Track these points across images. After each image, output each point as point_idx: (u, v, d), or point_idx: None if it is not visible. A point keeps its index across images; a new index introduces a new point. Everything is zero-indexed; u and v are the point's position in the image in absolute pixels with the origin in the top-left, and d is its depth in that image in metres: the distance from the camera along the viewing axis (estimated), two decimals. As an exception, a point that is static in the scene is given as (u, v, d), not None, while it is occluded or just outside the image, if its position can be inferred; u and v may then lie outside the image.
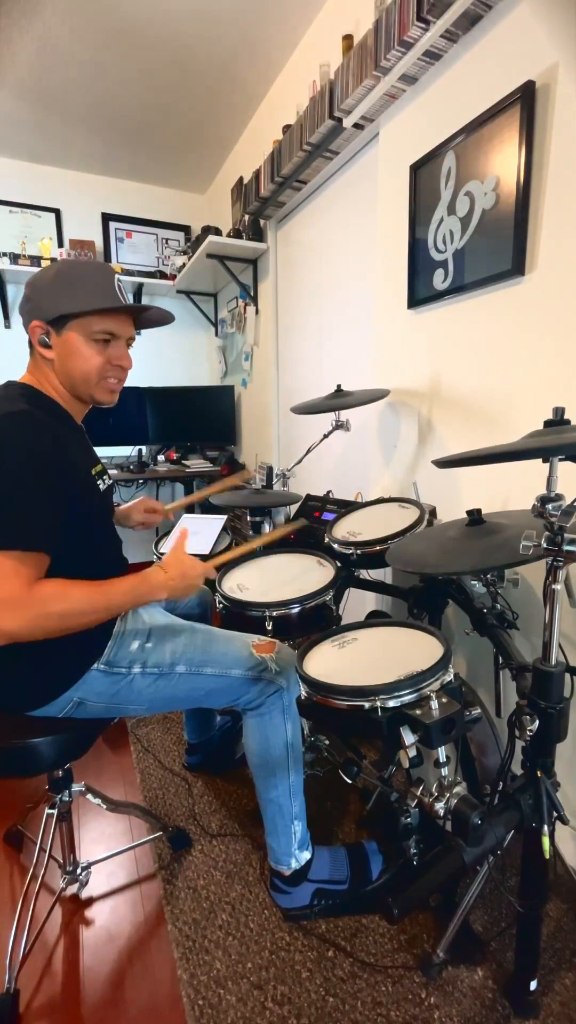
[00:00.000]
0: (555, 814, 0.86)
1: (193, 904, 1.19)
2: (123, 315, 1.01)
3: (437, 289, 1.47)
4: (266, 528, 1.86)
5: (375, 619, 1.19)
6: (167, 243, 3.36)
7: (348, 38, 1.70)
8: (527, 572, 1.24)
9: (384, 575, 1.70)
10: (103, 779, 1.59)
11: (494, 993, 1.00)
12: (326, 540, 1.44)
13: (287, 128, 1.96)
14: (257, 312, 2.78)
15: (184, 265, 2.94)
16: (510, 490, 1.32)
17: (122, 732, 1.80)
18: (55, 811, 1.18)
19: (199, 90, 2.41)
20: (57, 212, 3.07)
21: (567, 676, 0.85)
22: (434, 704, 0.80)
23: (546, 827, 0.85)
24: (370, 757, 1.58)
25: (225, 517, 1.65)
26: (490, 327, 1.34)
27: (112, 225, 3.21)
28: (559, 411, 0.84)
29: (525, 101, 1.15)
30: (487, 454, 0.81)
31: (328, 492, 1.90)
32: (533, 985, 0.96)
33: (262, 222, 2.55)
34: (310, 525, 1.65)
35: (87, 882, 1.25)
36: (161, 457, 3.29)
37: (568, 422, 0.84)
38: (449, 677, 0.88)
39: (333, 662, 0.99)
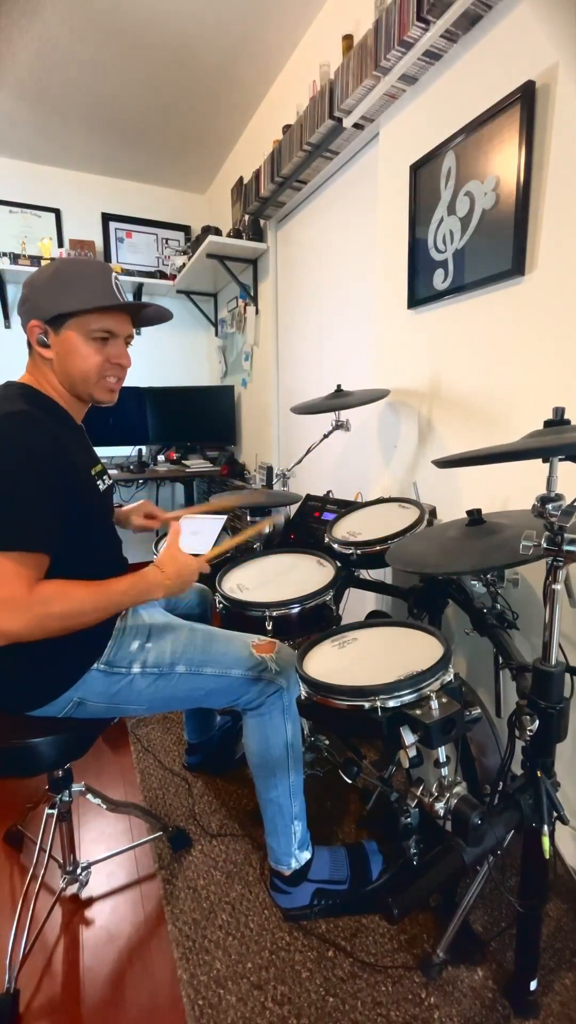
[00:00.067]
0: (555, 814, 0.86)
1: (193, 904, 1.19)
2: (121, 313, 1.01)
3: (437, 289, 1.47)
4: (266, 528, 1.86)
5: (375, 619, 1.19)
6: (167, 243, 3.36)
7: (348, 38, 1.70)
8: (527, 572, 1.24)
9: (384, 575, 1.70)
10: (103, 779, 1.59)
11: (494, 993, 1.00)
12: (326, 540, 1.44)
13: (287, 128, 1.96)
14: (257, 312, 2.78)
15: (184, 265, 2.94)
16: (510, 490, 1.32)
17: (122, 732, 1.80)
18: (55, 811, 1.18)
19: (199, 90, 2.41)
20: (57, 212, 3.07)
21: (567, 676, 0.85)
22: (434, 704, 0.80)
23: (546, 827, 0.85)
24: (370, 757, 1.58)
25: (225, 517, 1.65)
26: (490, 327, 1.34)
27: (112, 225, 3.21)
28: (559, 411, 0.84)
29: (525, 101, 1.15)
30: (487, 454, 0.81)
31: (328, 492, 1.90)
32: (533, 985, 0.96)
33: (262, 222, 2.55)
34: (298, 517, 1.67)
35: (87, 882, 1.25)
36: (161, 457, 3.29)
37: (568, 422, 0.84)
38: (449, 677, 0.88)
39: (333, 662, 0.99)
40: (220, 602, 1.30)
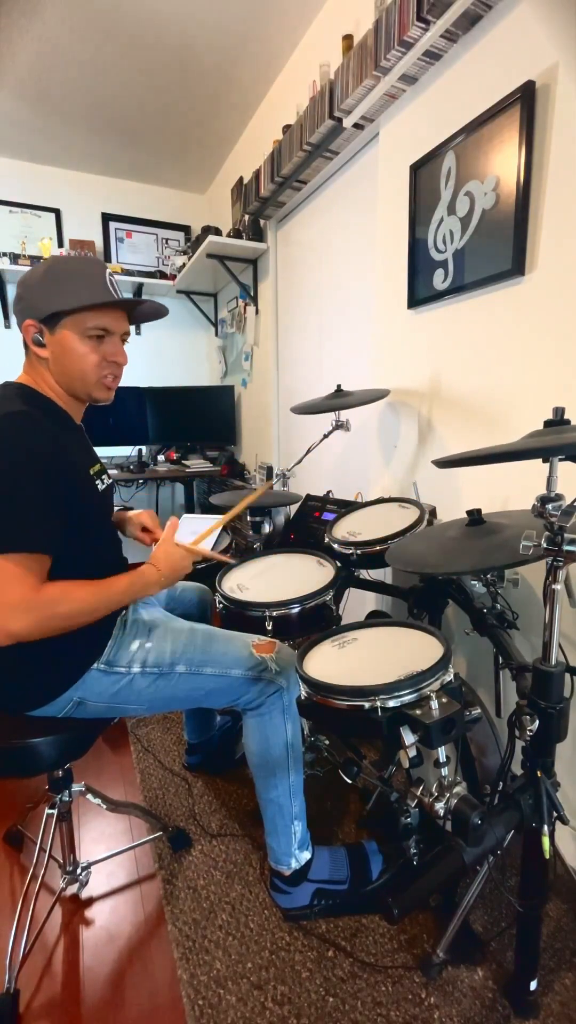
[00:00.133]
0: (555, 814, 0.86)
1: (193, 904, 1.19)
2: (117, 310, 1.00)
3: (437, 289, 1.47)
4: (266, 528, 1.86)
5: (375, 619, 1.19)
6: (167, 243, 3.36)
7: (348, 38, 1.70)
8: (527, 572, 1.24)
9: (384, 575, 1.70)
10: (103, 779, 1.59)
11: (494, 993, 1.00)
12: (326, 540, 1.44)
13: (287, 128, 1.95)
14: (257, 312, 2.78)
15: (184, 265, 2.94)
16: (510, 490, 1.32)
17: (122, 732, 1.80)
18: (55, 811, 1.18)
19: (199, 90, 2.41)
20: (57, 212, 3.07)
21: (567, 676, 0.85)
22: (434, 704, 0.80)
23: (546, 827, 0.85)
24: (370, 757, 1.58)
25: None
26: (490, 327, 1.34)
27: (112, 225, 3.21)
28: (559, 411, 0.84)
29: (525, 101, 1.15)
30: (487, 454, 0.81)
31: (328, 492, 1.90)
32: (533, 985, 0.96)
33: (262, 222, 2.55)
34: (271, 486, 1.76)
35: (87, 882, 1.25)
36: (161, 457, 3.29)
37: (568, 422, 0.84)
38: (449, 677, 0.88)
39: (333, 662, 0.99)
40: (220, 602, 1.30)
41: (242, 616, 1.24)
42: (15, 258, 2.73)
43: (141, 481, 3.30)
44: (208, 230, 2.56)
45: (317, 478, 2.32)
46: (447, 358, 1.50)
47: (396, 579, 1.65)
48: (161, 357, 3.47)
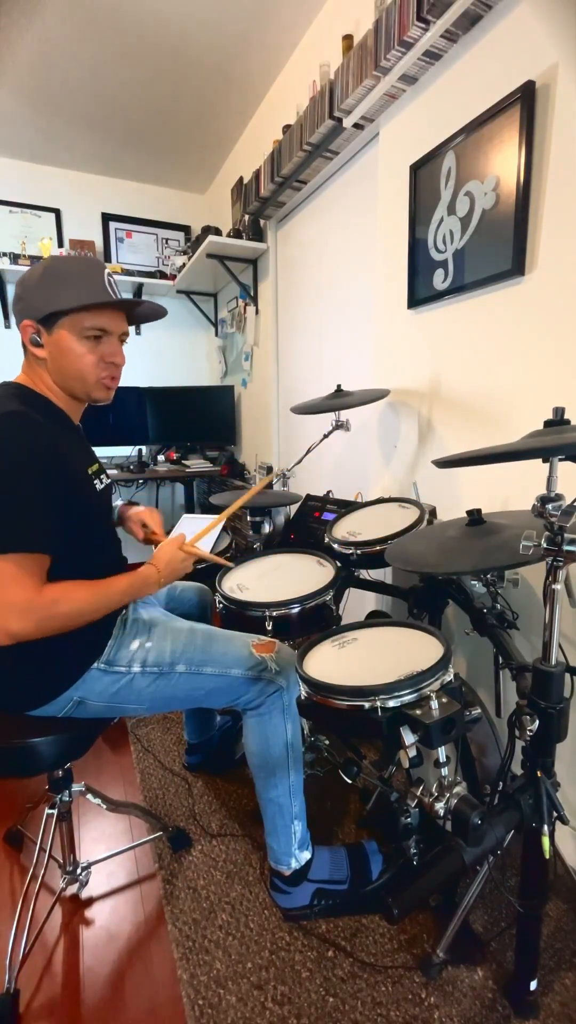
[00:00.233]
0: (555, 814, 0.86)
1: (193, 904, 1.19)
2: (114, 311, 0.99)
3: (437, 289, 1.47)
4: (266, 528, 1.86)
5: (375, 619, 1.19)
6: (167, 243, 3.36)
7: (348, 38, 1.70)
8: (527, 572, 1.24)
9: (384, 575, 1.70)
10: (103, 779, 1.59)
11: (494, 993, 1.00)
12: (326, 540, 1.44)
13: (287, 128, 1.96)
14: (257, 312, 2.78)
15: (184, 265, 2.94)
16: (510, 490, 1.32)
17: (122, 732, 1.80)
18: (55, 811, 1.18)
19: (199, 90, 2.41)
20: (57, 212, 3.07)
21: (567, 676, 0.85)
22: (434, 704, 0.80)
23: (546, 827, 0.85)
24: (370, 757, 1.58)
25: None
26: (490, 327, 1.34)
27: (112, 225, 3.21)
28: (559, 411, 0.84)
29: (525, 101, 1.15)
30: (487, 454, 0.81)
31: (328, 492, 1.90)
32: (533, 985, 0.96)
33: (262, 222, 2.55)
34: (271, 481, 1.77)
35: (87, 882, 1.25)
36: (161, 457, 3.29)
37: (568, 422, 0.84)
38: (449, 677, 0.88)
39: (333, 662, 0.99)
40: (220, 602, 1.30)
41: (242, 616, 1.24)
42: (15, 258, 2.73)
43: (141, 481, 3.30)
44: (208, 230, 2.56)
45: (317, 478, 2.32)
46: (447, 358, 1.50)
47: (396, 579, 1.65)
48: (161, 357, 3.47)
